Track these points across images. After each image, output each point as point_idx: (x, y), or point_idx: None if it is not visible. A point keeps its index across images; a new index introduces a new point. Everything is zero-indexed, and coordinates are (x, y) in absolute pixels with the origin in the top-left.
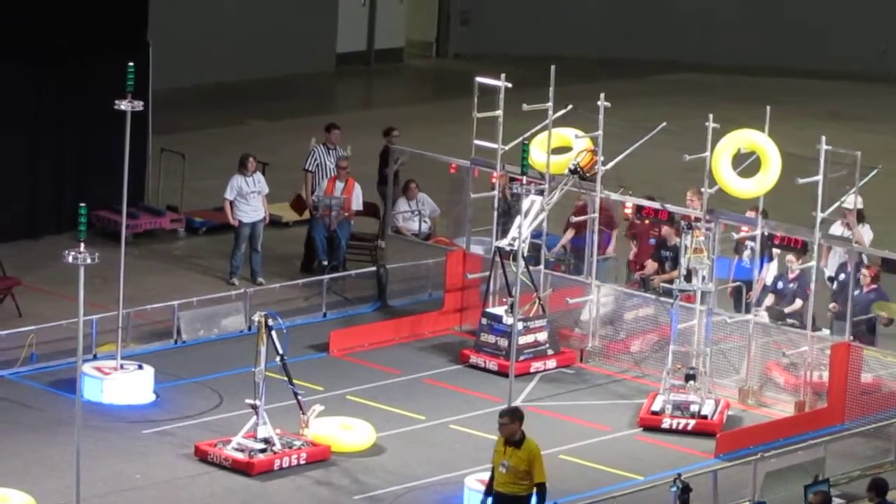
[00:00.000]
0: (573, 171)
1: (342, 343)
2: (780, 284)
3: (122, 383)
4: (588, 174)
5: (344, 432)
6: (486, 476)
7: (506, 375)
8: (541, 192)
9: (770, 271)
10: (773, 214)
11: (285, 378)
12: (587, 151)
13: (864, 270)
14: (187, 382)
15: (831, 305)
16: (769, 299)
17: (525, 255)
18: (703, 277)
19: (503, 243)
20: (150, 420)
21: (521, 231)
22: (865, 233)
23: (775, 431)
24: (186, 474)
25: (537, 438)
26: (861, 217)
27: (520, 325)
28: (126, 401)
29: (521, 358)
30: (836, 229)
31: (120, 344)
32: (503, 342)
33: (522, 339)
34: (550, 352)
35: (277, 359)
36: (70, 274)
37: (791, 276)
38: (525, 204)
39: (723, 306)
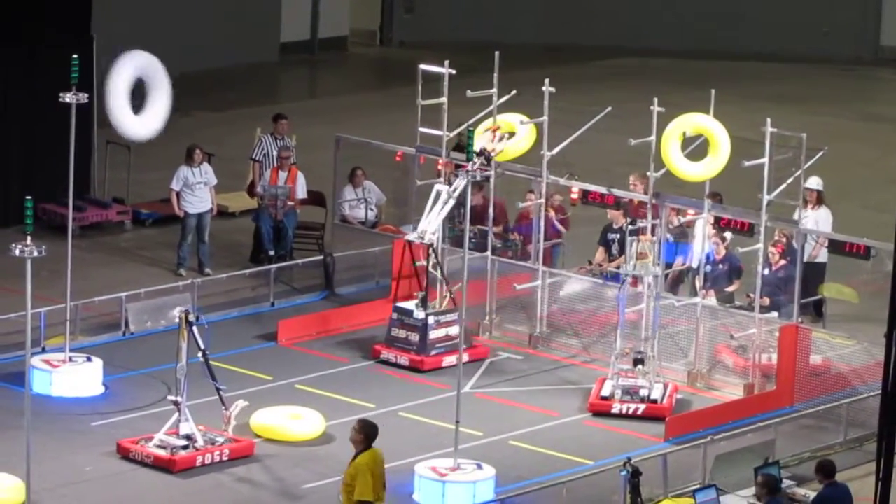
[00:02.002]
0: (479, 154)
1: (290, 332)
2: (709, 268)
3: (71, 376)
4: (493, 153)
5: (293, 422)
6: (437, 463)
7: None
8: (487, 179)
9: (695, 255)
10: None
11: (208, 375)
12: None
13: (771, 248)
14: (136, 374)
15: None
16: (699, 282)
17: (434, 247)
18: (649, 285)
19: (413, 237)
20: (99, 412)
21: (431, 224)
22: (825, 216)
23: (725, 414)
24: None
25: (487, 425)
26: (821, 200)
27: (431, 320)
28: (75, 393)
29: (433, 353)
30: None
31: (68, 337)
32: (414, 337)
33: (434, 334)
34: (463, 346)
35: (199, 354)
36: (17, 267)
37: (718, 257)
38: (432, 195)
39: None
